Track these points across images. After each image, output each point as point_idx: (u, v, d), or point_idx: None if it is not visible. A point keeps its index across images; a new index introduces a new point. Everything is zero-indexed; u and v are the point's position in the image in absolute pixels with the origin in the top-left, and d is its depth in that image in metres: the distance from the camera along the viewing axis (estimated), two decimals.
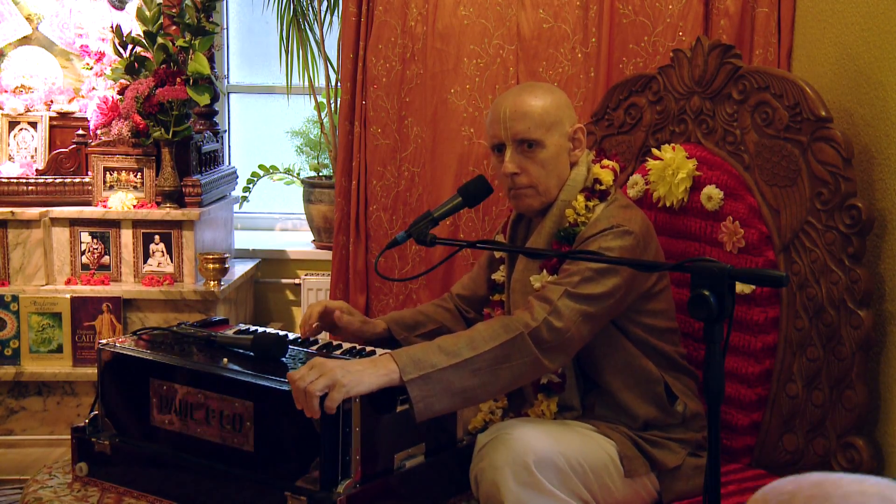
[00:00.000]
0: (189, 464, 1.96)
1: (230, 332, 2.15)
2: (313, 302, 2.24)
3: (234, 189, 3.99)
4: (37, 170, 3.50)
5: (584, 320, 1.94)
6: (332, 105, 3.77)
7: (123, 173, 3.43)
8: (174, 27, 3.49)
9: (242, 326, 2.28)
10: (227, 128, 4.19)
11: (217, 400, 1.90)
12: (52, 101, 3.62)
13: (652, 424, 2.09)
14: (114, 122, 3.44)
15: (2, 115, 3.57)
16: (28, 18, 3.66)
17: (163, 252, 3.40)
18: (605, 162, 2.15)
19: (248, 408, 1.86)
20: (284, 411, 1.78)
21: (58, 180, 3.44)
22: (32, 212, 3.35)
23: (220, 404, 1.90)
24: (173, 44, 3.43)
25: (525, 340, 1.88)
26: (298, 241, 4.07)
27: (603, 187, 2.10)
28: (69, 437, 2.17)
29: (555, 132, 2.08)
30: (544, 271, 2.08)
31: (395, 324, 2.27)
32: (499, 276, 2.26)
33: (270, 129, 4.24)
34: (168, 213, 3.38)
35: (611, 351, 2.06)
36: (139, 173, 3.43)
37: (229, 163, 4.12)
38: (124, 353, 2.08)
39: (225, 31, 4.09)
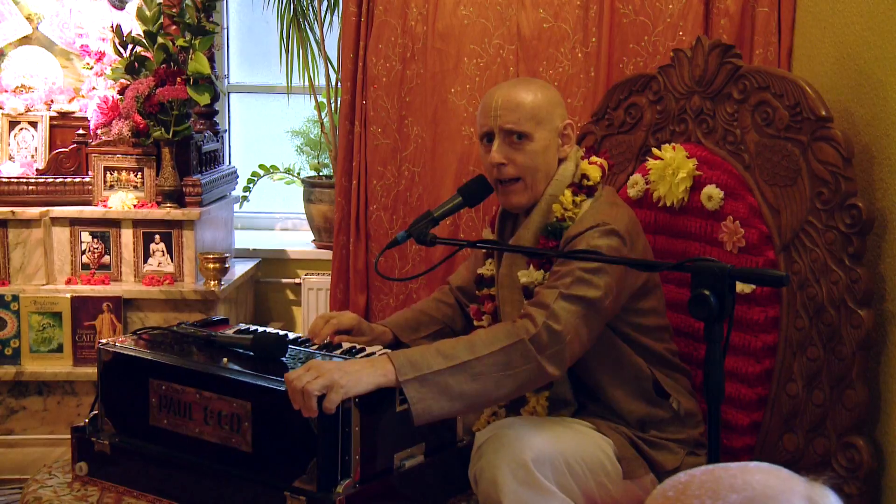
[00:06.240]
0: (189, 464, 1.96)
1: (230, 332, 2.15)
2: (318, 320, 2.21)
3: (235, 189, 3.99)
4: (37, 169, 3.50)
5: (581, 322, 1.93)
6: (333, 105, 3.77)
7: (124, 173, 3.43)
8: (174, 27, 3.49)
9: (242, 326, 2.28)
10: (227, 128, 4.19)
11: (215, 400, 1.90)
12: (52, 101, 3.61)
13: (648, 423, 2.09)
14: (114, 121, 3.43)
15: (2, 114, 3.57)
16: (28, 18, 3.66)
17: (163, 252, 3.40)
18: (594, 158, 2.16)
19: (246, 408, 1.86)
20: (282, 411, 1.78)
21: (58, 180, 3.44)
22: (33, 211, 3.35)
23: (219, 404, 1.90)
24: (173, 44, 3.43)
25: (526, 346, 1.87)
26: (298, 240, 4.06)
27: (590, 183, 2.11)
28: (69, 436, 2.17)
29: (544, 127, 2.09)
30: (531, 266, 2.08)
31: (399, 328, 2.27)
32: (485, 270, 2.26)
33: (270, 129, 4.23)
34: (168, 212, 3.38)
35: (601, 348, 2.06)
36: (139, 173, 3.43)
37: (229, 163, 4.12)
38: (124, 352, 2.08)
39: (225, 31, 4.09)
